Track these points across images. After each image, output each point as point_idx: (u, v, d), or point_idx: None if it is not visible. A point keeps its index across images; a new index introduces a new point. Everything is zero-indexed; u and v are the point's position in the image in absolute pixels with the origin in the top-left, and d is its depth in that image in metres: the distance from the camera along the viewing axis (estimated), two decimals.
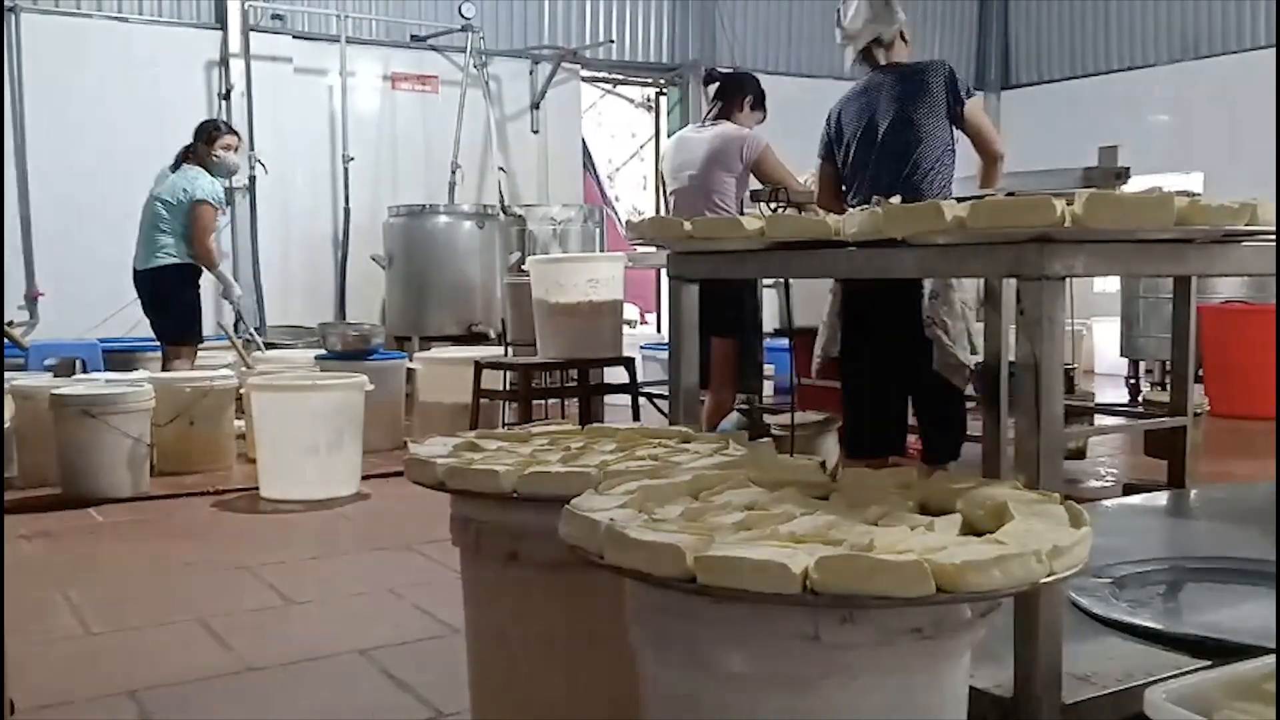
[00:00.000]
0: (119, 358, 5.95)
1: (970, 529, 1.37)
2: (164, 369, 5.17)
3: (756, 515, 1.40)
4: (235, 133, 5.59)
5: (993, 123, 2.94)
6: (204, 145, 5.36)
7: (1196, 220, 1.70)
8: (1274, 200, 1.82)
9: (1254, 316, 6.34)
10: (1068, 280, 1.72)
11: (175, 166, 5.34)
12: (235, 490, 4.37)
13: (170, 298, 5.24)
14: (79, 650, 2.61)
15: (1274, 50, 8.74)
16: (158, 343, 5.43)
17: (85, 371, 5.23)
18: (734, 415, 4.44)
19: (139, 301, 5.39)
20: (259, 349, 5.75)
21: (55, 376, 4.89)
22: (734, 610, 1.21)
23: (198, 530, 3.88)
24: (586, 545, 1.33)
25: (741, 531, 1.33)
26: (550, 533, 1.42)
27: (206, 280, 5.47)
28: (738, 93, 4.42)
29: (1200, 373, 5.98)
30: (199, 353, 5.44)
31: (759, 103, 4.44)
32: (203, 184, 5.24)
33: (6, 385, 4.24)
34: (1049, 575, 1.21)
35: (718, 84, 4.50)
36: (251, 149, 7.50)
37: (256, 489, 4.27)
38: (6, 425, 4.12)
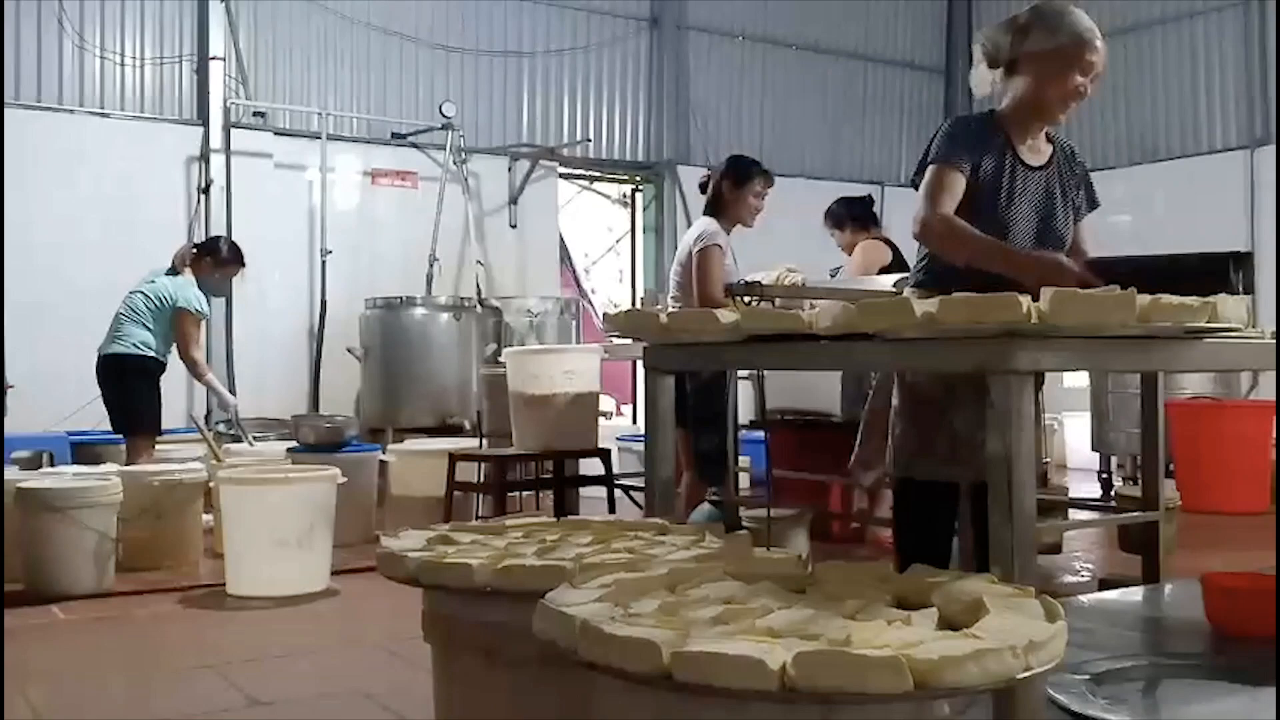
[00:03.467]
0: (88, 451, 5.88)
1: (947, 623, 1.37)
2: (126, 462, 5.10)
3: (733, 610, 1.39)
4: (244, 264, 5.67)
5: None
6: (210, 262, 5.43)
7: (1158, 317, 1.75)
8: (1273, 298, 1.88)
9: (1222, 412, 6.42)
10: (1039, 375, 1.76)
11: (172, 271, 5.39)
12: (202, 586, 4.28)
13: (124, 386, 5.23)
14: None
15: (1225, 154, 9.09)
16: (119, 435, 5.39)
17: (53, 464, 5.16)
18: (705, 506, 4.43)
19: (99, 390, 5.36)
20: (250, 443, 5.73)
21: (21, 469, 4.81)
22: (711, 707, 1.20)
23: (162, 628, 3.78)
24: (561, 641, 1.32)
25: (718, 626, 1.32)
26: (525, 628, 1.41)
27: (177, 376, 5.46)
28: (719, 179, 4.51)
29: (1171, 467, 6.04)
30: (158, 446, 5.39)
31: (740, 179, 4.49)
32: (189, 294, 5.30)
33: None
34: (1026, 670, 1.21)
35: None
36: None
37: (223, 585, 4.18)
38: None
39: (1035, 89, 2.55)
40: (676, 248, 4.80)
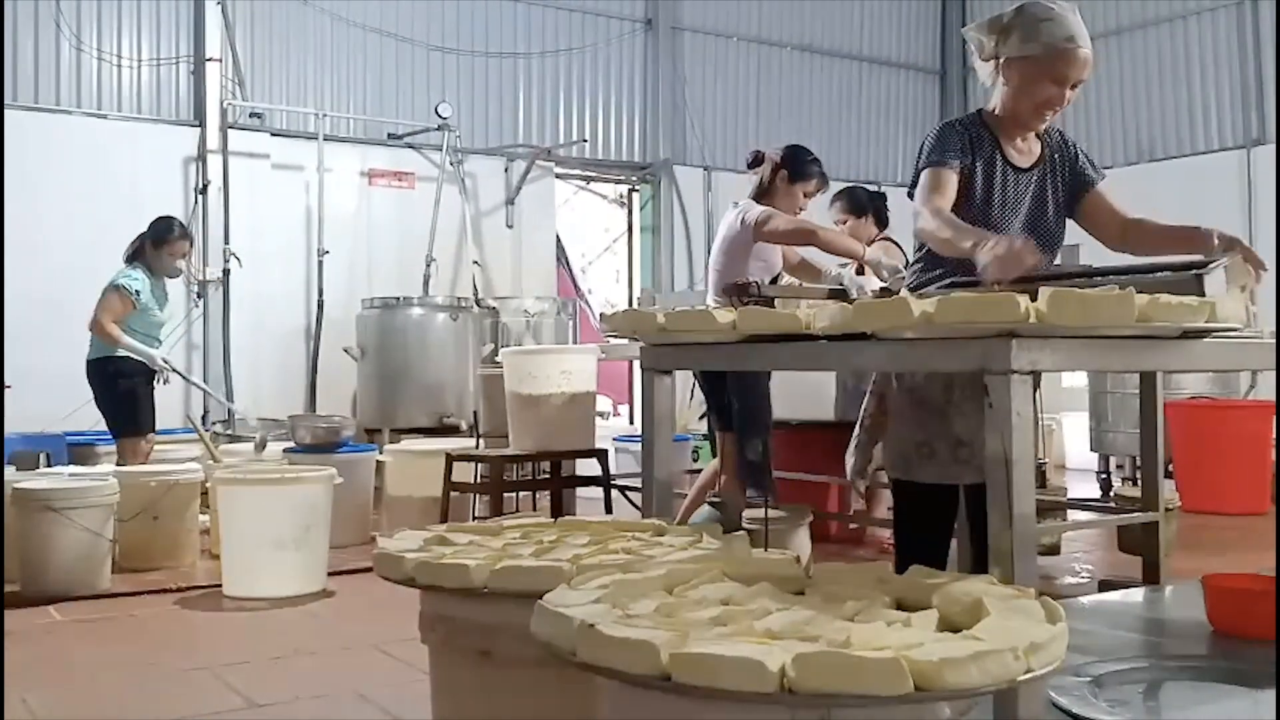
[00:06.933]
0: (84, 451, 5.86)
1: (947, 625, 1.36)
2: (117, 464, 5.08)
3: (732, 611, 1.39)
4: (188, 238, 5.57)
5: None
6: (152, 246, 5.35)
7: (1156, 317, 1.74)
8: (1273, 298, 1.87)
9: (1221, 412, 6.42)
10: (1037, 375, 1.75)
11: (128, 260, 5.35)
12: (198, 587, 4.27)
13: (106, 388, 5.20)
14: None
15: (1221, 154, 9.10)
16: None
17: (49, 465, 5.14)
18: (705, 508, 4.41)
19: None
20: (259, 449, 5.65)
21: (18, 470, 4.80)
22: (710, 708, 1.19)
23: (159, 630, 3.77)
24: (559, 642, 1.31)
25: (717, 628, 1.31)
26: (523, 629, 1.40)
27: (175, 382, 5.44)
28: (774, 169, 4.12)
29: (1170, 468, 6.04)
30: (156, 447, 5.36)
31: (797, 174, 4.10)
32: (127, 277, 5.22)
33: None
34: (1026, 672, 1.20)
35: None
36: (226, 243, 7.56)
37: (220, 586, 4.17)
38: None
39: (1011, 97, 2.50)
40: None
